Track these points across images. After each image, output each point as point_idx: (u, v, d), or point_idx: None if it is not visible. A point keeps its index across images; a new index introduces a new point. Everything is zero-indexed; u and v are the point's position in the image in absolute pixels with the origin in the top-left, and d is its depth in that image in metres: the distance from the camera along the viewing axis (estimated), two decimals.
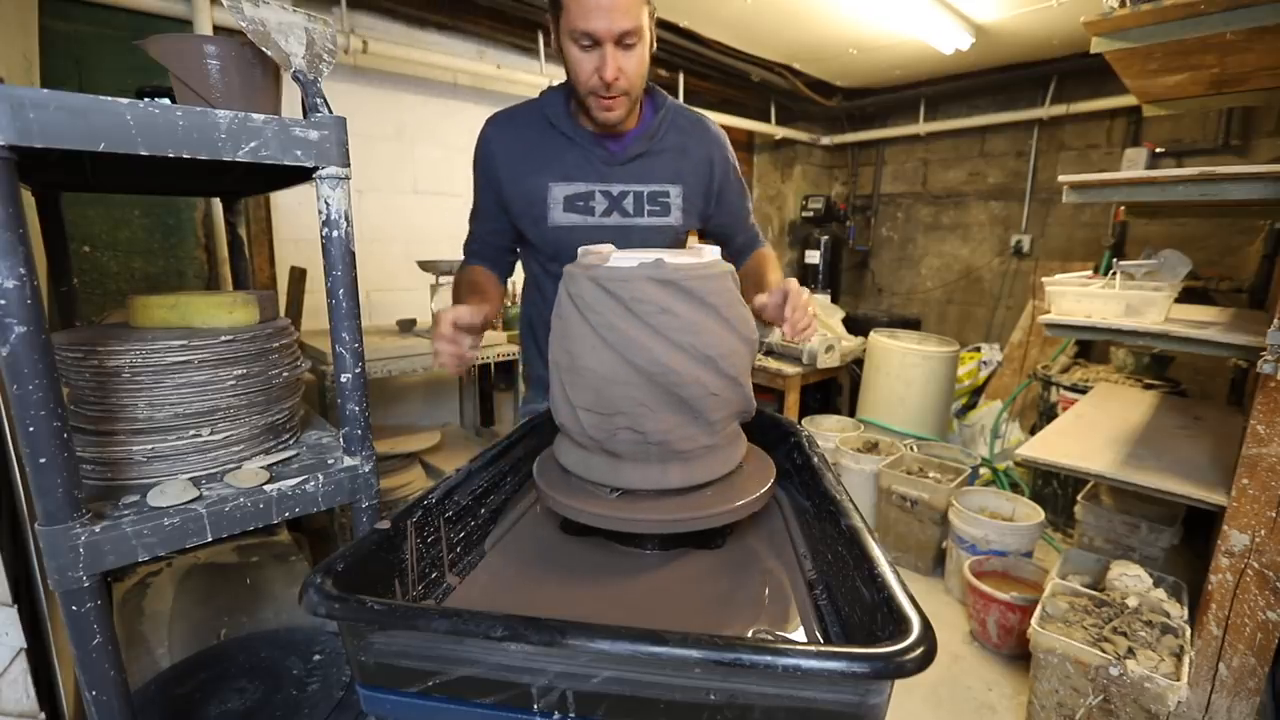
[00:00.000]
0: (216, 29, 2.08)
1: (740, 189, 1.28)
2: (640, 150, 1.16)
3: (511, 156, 1.14)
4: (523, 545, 0.87)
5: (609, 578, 0.79)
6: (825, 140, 4.55)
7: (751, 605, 0.74)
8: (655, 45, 1.09)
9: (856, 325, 4.01)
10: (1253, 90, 1.73)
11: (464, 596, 0.75)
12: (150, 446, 0.90)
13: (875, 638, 0.55)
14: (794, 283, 0.93)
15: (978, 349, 4.08)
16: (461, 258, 1.30)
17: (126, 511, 0.80)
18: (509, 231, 1.22)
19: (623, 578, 0.79)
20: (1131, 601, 1.66)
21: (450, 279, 2.25)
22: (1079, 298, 1.70)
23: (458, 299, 1.12)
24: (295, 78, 0.88)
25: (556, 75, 2.95)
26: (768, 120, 4.09)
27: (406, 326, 2.43)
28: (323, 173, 0.87)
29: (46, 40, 1.81)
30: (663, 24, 3.05)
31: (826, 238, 4.37)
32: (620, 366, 0.73)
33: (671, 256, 0.77)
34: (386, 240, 2.71)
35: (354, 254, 0.91)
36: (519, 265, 1.33)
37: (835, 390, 4.11)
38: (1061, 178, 1.63)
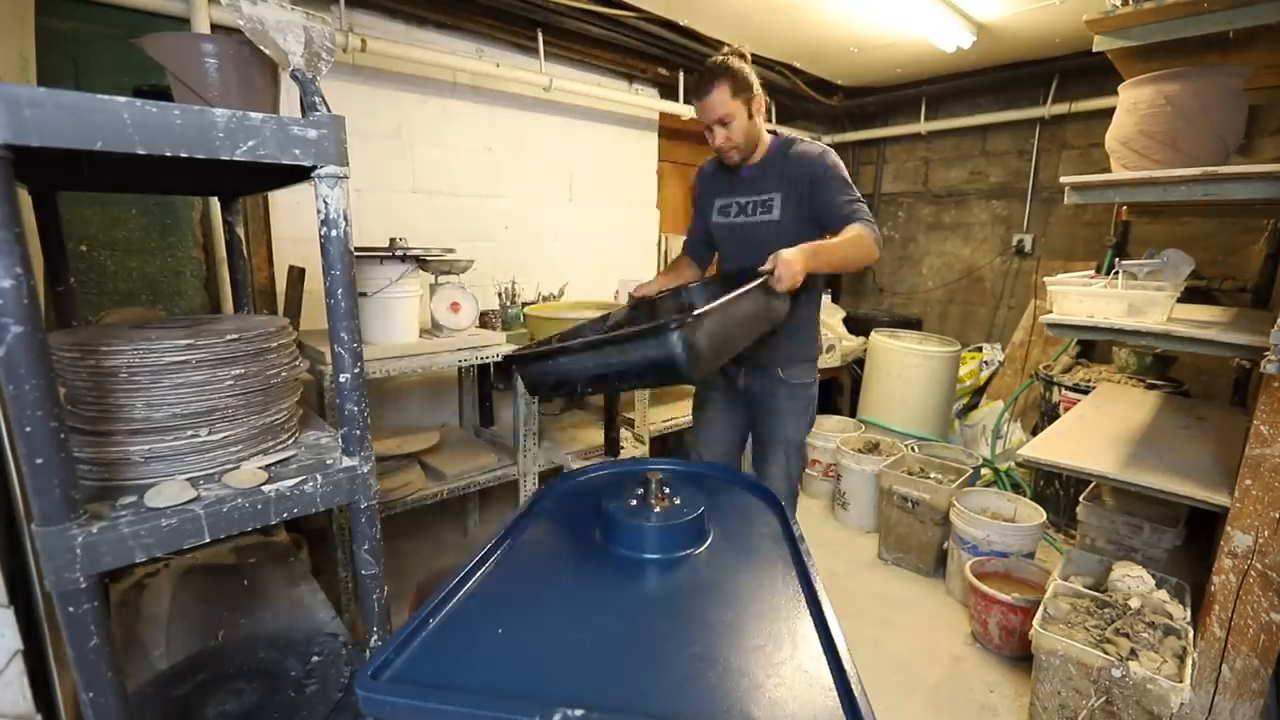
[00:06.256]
0: (214, 27, 2.07)
1: (834, 189, 1.67)
2: (757, 175, 1.75)
3: (703, 183, 1.93)
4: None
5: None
6: (826, 139, 4.54)
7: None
8: (762, 112, 1.69)
9: (857, 325, 4.00)
10: (1255, 89, 1.72)
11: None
12: (148, 447, 0.89)
13: None
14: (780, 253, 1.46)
15: (979, 349, 4.07)
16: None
17: (124, 512, 0.79)
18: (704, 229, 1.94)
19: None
20: (1134, 603, 1.65)
21: (449, 278, 2.25)
22: (1081, 297, 1.70)
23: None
24: (293, 76, 0.87)
25: (555, 74, 2.95)
26: (768, 119, 4.08)
27: None
28: (321, 172, 0.86)
29: (44, 38, 1.80)
30: (663, 22, 3.04)
31: None
32: None
33: None
34: (385, 239, 2.70)
35: (353, 253, 0.91)
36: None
37: (836, 390, 4.10)
38: (1063, 178, 1.63)
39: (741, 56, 1.66)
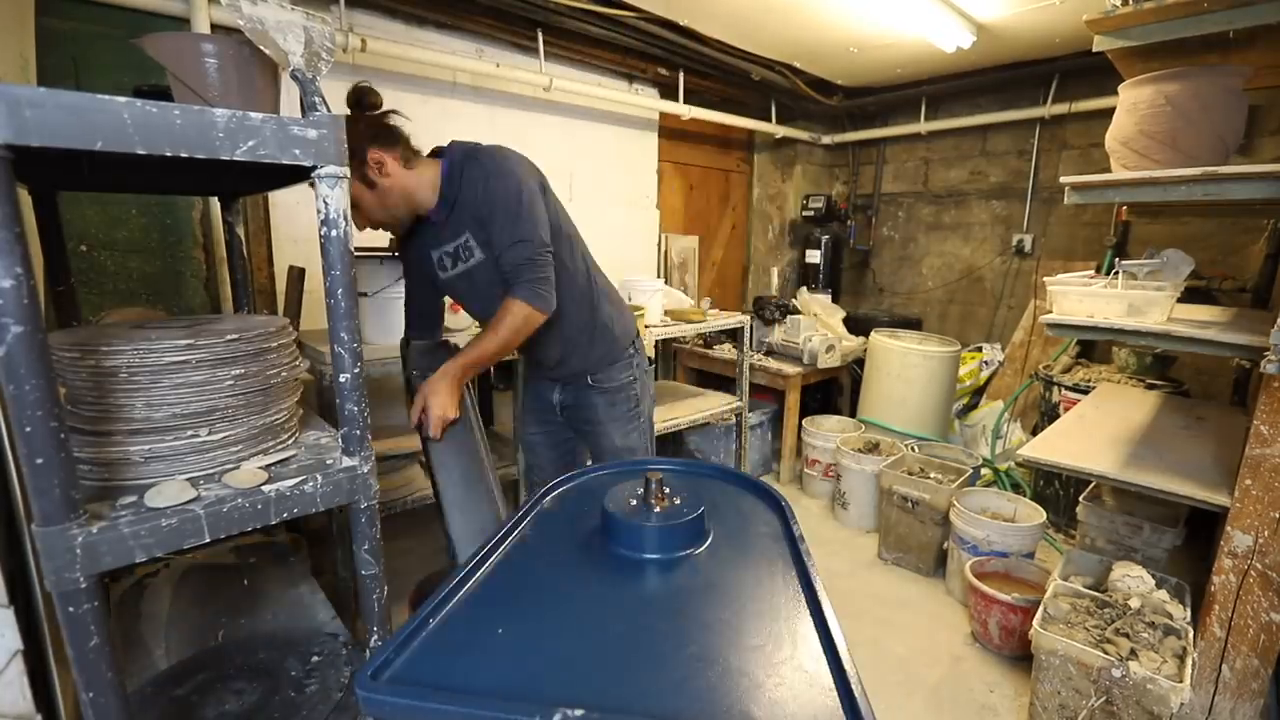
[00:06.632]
0: (214, 27, 2.07)
1: (496, 228, 1.40)
2: (444, 214, 1.46)
3: (407, 243, 1.60)
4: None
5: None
6: (826, 139, 4.54)
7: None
8: (391, 163, 1.36)
9: (857, 325, 4.00)
10: (1255, 89, 1.72)
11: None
12: (148, 447, 0.89)
13: None
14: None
15: (979, 349, 4.07)
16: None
17: (124, 512, 0.79)
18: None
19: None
20: (1134, 603, 1.65)
21: None
22: (1081, 297, 1.70)
23: None
24: (293, 76, 0.87)
25: (555, 74, 2.95)
26: (768, 119, 4.08)
27: None
28: (321, 172, 0.86)
29: (44, 38, 1.80)
30: (663, 22, 3.04)
31: (827, 237, 4.36)
32: None
33: None
34: (385, 239, 2.70)
35: (353, 253, 0.91)
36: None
37: (836, 390, 4.10)
38: (1063, 178, 1.63)
39: (360, 101, 1.34)
